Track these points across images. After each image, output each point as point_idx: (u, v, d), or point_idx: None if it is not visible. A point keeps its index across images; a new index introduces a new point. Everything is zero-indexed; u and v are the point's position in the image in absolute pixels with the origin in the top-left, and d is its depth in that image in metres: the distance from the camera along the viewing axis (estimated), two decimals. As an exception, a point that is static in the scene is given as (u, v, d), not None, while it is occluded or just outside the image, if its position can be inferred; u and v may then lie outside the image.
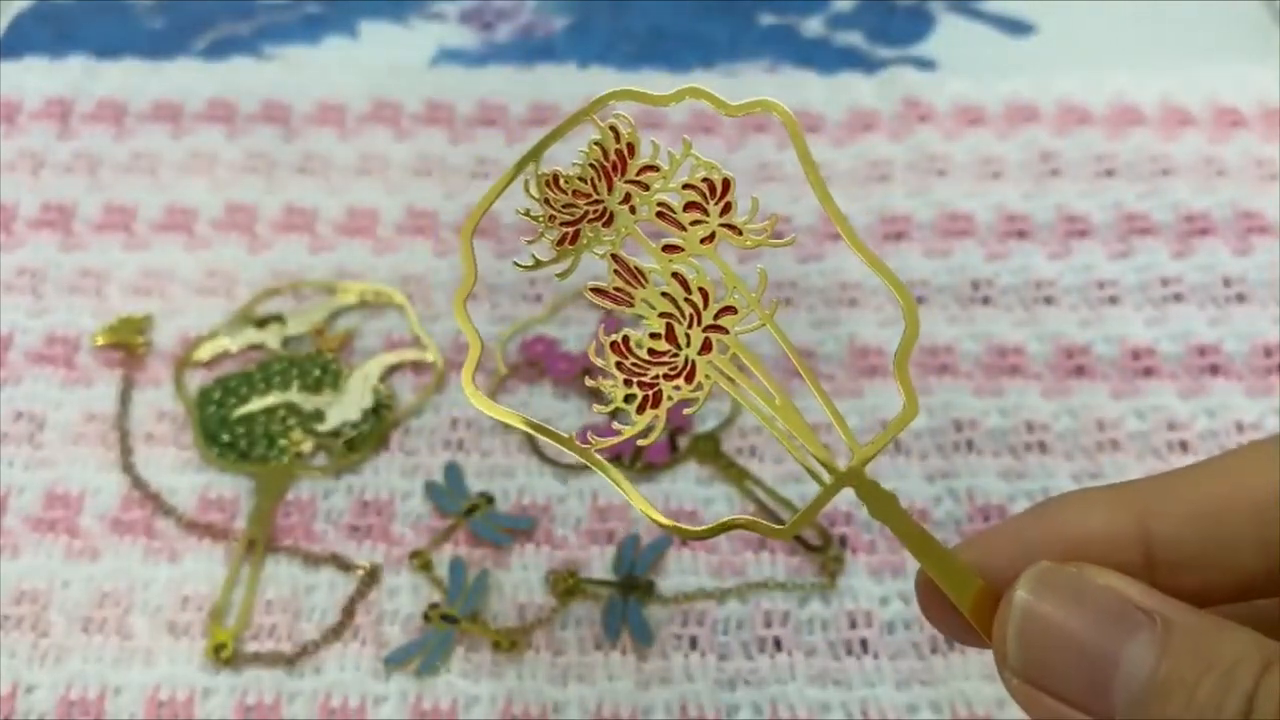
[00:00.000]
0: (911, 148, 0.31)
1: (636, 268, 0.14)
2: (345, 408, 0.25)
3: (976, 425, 0.25)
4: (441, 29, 0.36)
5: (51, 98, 0.32)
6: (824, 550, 0.23)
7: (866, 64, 0.35)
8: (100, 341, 0.27)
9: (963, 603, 0.14)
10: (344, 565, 0.23)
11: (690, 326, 0.13)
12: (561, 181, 0.14)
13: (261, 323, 0.27)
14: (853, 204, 0.30)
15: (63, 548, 0.23)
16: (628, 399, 0.14)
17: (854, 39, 0.36)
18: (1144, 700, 0.13)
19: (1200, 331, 0.27)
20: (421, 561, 0.23)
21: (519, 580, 0.23)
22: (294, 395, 0.26)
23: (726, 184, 0.14)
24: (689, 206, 0.14)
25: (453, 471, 0.24)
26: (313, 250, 0.29)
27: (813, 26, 0.36)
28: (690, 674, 0.22)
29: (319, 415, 0.25)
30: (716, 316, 0.13)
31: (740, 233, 0.14)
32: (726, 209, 0.14)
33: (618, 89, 0.14)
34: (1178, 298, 0.28)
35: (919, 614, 0.22)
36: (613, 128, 0.14)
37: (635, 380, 0.13)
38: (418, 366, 0.27)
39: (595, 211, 0.14)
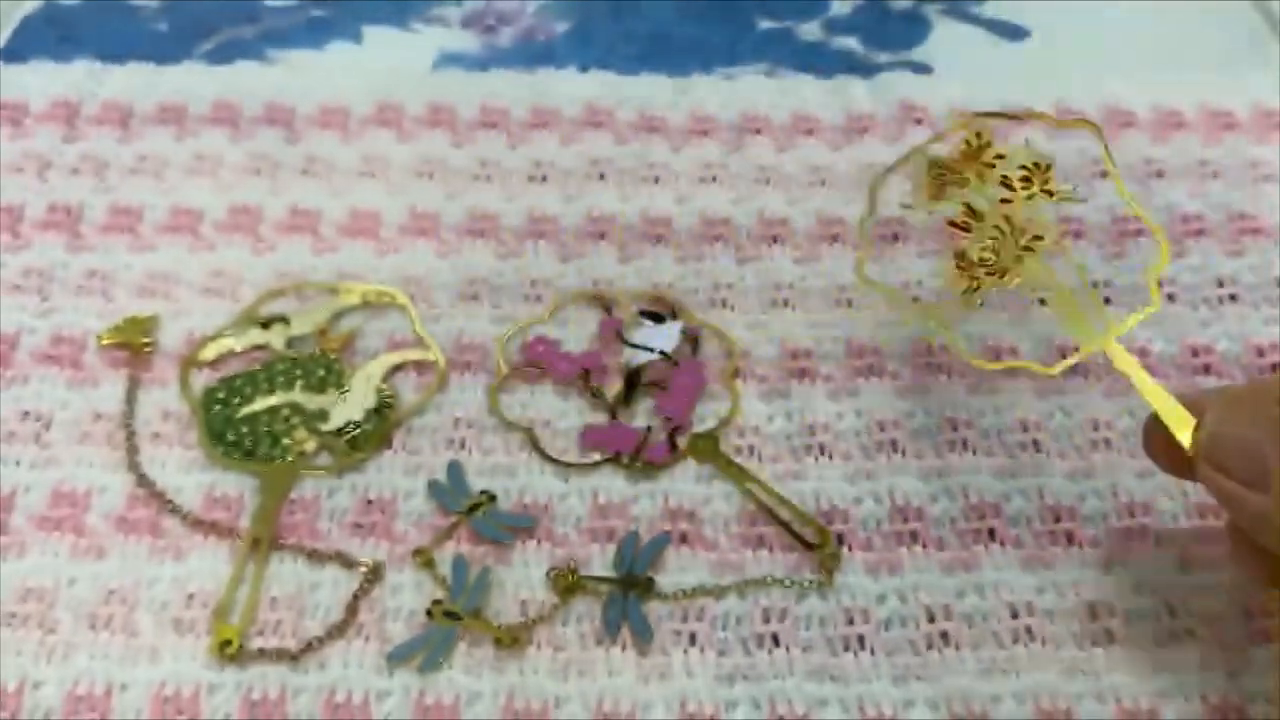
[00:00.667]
0: (907, 150, 0.31)
1: (978, 210, 0.22)
2: (348, 407, 0.26)
3: (972, 424, 0.26)
4: (443, 33, 0.37)
5: (57, 100, 0.32)
6: (821, 548, 0.23)
7: (863, 68, 0.35)
8: (106, 342, 0.27)
9: (1179, 432, 0.20)
10: (348, 563, 0.23)
11: (1010, 246, 0.21)
12: (943, 164, 0.23)
13: (266, 323, 0.28)
14: (849, 206, 0.30)
15: (69, 546, 0.23)
16: (981, 261, 0.22)
17: (851, 43, 0.36)
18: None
19: (1193, 332, 0.27)
20: (424, 559, 0.23)
21: (520, 577, 0.23)
22: (298, 395, 0.26)
23: (1050, 165, 0.22)
24: (1024, 179, 0.22)
25: (455, 470, 0.25)
26: (316, 251, 0.29)
27: (810, 31, 0.37)
28: (690, 670, 0.22)
29: (323, 415, 0.26)
30: (1027, 243, 0.21)
31: (1053, 194, 0.22)
32: (1047, 180, 0.22)
33: (981, 111, 0.23)
34: (1171, 298, 0.28)
35: (915, 612, 0.22)
36: (977, 131, 0.23)
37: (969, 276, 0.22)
38: (420, 366, 0.27)
39: (958, 179, 0.22)
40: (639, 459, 0.25)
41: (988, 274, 0.22)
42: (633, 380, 0.26)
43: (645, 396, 0.26)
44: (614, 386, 0.26)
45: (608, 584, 0.23)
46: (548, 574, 0.23)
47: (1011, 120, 0.22)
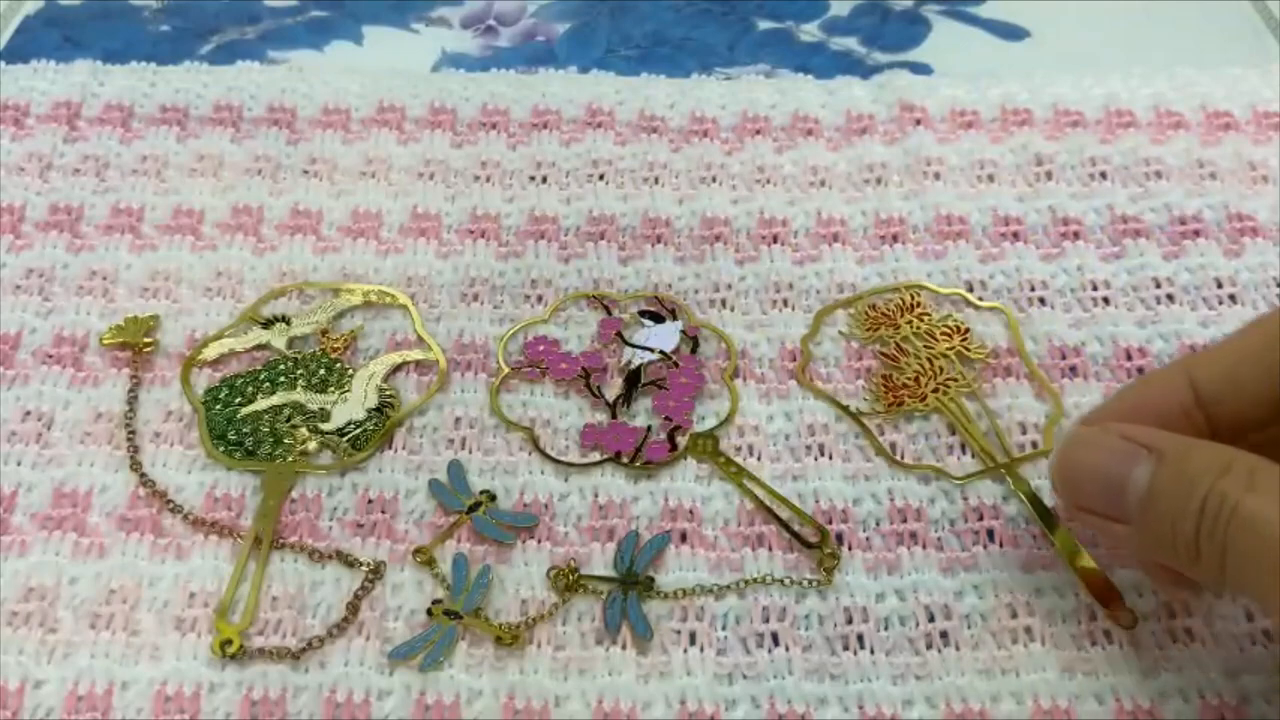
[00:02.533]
0: (906, 151, 0.31)
1: (905, 349, 0.27)
2: (350, 407, 0.26)
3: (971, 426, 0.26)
4: (444, 34, 0.37)
5: (59, 101, 0.32)
6: (821, 547, 0.23)
7: (862, 68, 0.35)
8: (108, 341, 0.27)
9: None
10: (349, 562, 0.23)
11: (930, 380, 0.26)
12: (880, 309, 0.28)
13: (267, 323, 0.28)
14: (848, 206, 0.30)
15: (70, 545, 0.23)
16: (904, 385, 0.26)
17: (850, 44, 0.36)
18: (1143, 506, 0.19)
19: (1192, 332, 0.27)
20: (425, 558, 0.23)
21: (521, 576, 0.23)
22: (299, 394, 0.26)
23: (968, 330, 0.27)
24: (945, 334, 0.27)
25: (455, 469, 0.25)
26: (317, 251, 0.29)
27: (810, 32, 0.37)
28: (689, 668, 0.22)
29: (324, 414, 0.26)
30: (942, 381, 0.26)
31: (969, 351, 0.27)
32: (966, 340, 0.27)
33: (914, 284, 0.28)
34: (1170, 298, 0.28)
35: (914, 611, 0.22)
36: (913, 293, 0.28)
37: (891, 395, 0.26)
38: (421, 366, 0.27)
39: (890, 324, 0.27)
40: (639, 458, 0.25)
41: (909, 397, 0.26)
42: (632, 380, 0.26)
43: (645, 396, 0.26)
44: (614, 386, 0.26)
45: (607, 583, 0.23)
46: (548, 573, 0.23)
47: (939, 294, 0.28)
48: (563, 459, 0.25)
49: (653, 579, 0.23)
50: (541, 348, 0.27)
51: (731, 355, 0.27)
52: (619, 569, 0.23)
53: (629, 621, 0.22)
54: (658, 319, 0.27)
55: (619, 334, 0.27)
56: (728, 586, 0.23)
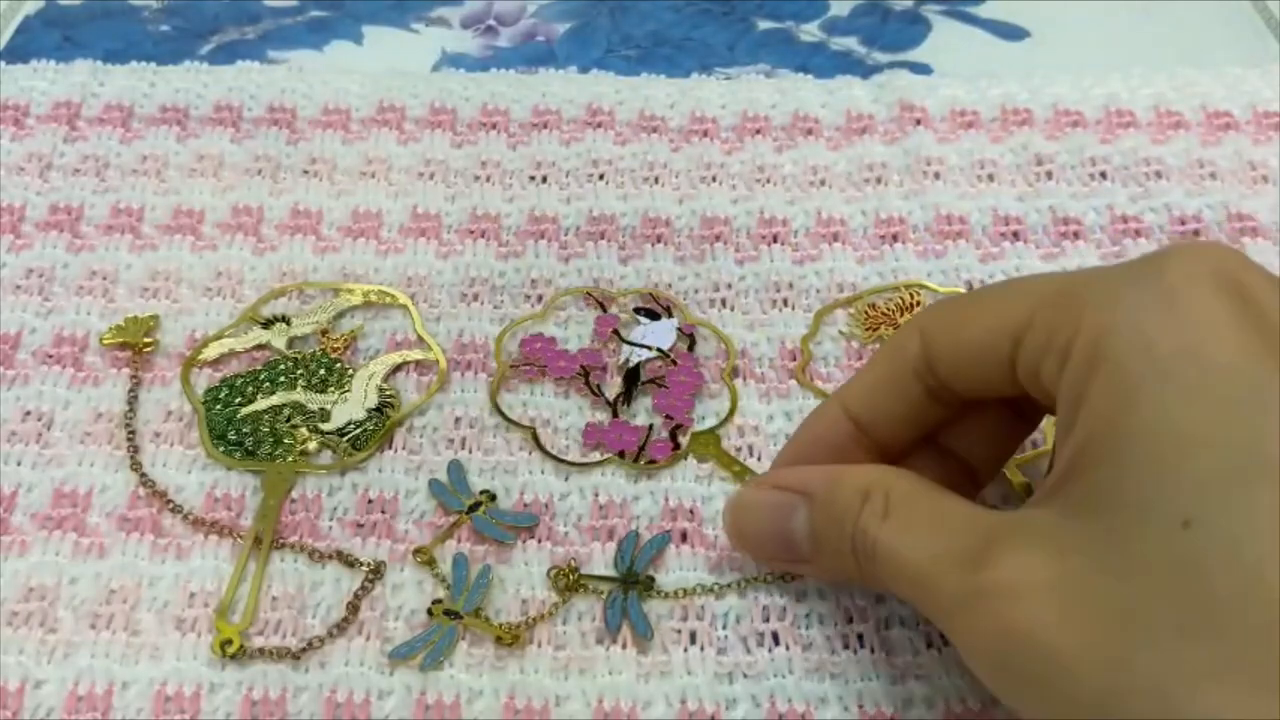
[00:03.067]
0: (906, 150, 0.31)
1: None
2: (350, 407, 0.26)
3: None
4: (444, 34, 0.37)
5: (59, 101, 0.32)
6: None
7: (862, 68, 0.35)
8: (108, 341, 0.27)
9: None
10: (349, 561, 0.23)
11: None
12: (880, 309, 0.28)
13: (267, 323, 0.28)
14: (848, 206, 0.30)
15: (70, 545, 0.23)
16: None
17: (850, 44, 0.36)
18: (810, 552, 0.21)
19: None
20: (425, 558, 0.23)
21: (521, 576, 0.23)
22: (299, 394, 0.26)
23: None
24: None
25: (455, 469, 0.25)
26: (317, 251, 0.29)
27: (810, 31, 0.37)
28: (689, 668, 0.22)
29: (324, 414, 0.26)
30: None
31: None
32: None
33: (913, 282, 0.29)
34: (1169, 298, 0.28)
35: (914, 611, 0.22)
36: (911, 291, 0.28)
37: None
38: (421, 366, 0.27)
39: (890, 324, 0.27)
40: (643, 457, 0.25)
41: None
42: (632, 378, 0.26)
43: (644, 395, 0.26)
44: (613, 385, 0.26)
45: (608, 583, 0.23)
46: (549, 573, 0.23)
47: (939, 293, 0.28)
48: (565, 458, 0.25)
49: (653, 578, 0.23)
50: (539, 345, 0.27)
51: (730, 354, 0.27)
52: (619, 569, 0.23)
53: (629, 621, 0.22)
54: (654, 316, 0.27)
55: (616, 332, 0.27)
56: (728, 585, 0.23)
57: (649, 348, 0.26)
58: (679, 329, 0.27)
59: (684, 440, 0.25)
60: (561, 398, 0.26)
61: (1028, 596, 0.16)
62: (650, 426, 0.25)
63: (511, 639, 0.22)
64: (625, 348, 0.27)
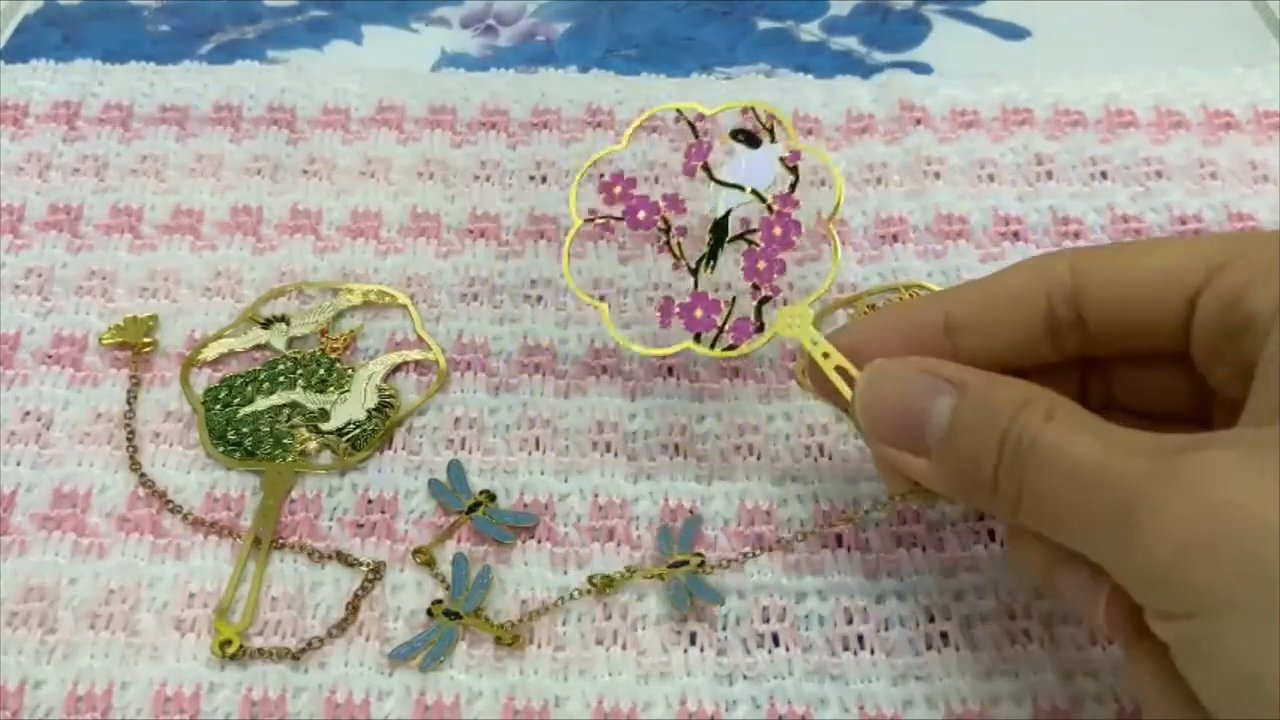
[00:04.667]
0: (907, 150, 0.31)
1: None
2: (349, 407, 0.26)
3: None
4: (444, 34, 0.37)
5: (59, 100, 0.32)
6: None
7: (863, 68, 0.35)
8: (107, 341, 0.27)
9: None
10: (348, 562, 0.23)
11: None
12: (880, 309, 0.26)
13: (267, 323, 0.28)
14: (849, 206, 0.30)
15: (70, 545, 0.23)
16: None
17: (850, 43, 0.36)
18: (943, 440, 0.19)
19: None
20: (425, 558, 0.23)
21: (521, 576, 0.23)
22: (299, 395, 0.26)
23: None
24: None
25: (455, 469, 0.25)
26: (317, 251, 0.29)
27: (810, 31, 0.37)
28: (689, 669, 0.22)
29: (324, 414, 0.26)
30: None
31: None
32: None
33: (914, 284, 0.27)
34: (1170, 299, 0.28)
35: (914, 612, 0.22)
36: (911, 291, 0.27)
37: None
38: (421, 366, 0.27)
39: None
40: (721, 341, 0.22)
41: None
42: (719, 232, 0.22)
43: (735, 248, 0.23)
44: (695, 242, 0.23)
45: (660, 573, 0.22)
46: (590, 579, 0.22)
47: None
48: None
49: (701, 555, 0.22)
50: (618, 186, 0.22)
51: (838, 191, 0.22)
52: (664, 558, 0.22)
53: (696, 597, 0.22)
54: (753, 141, 0.22)
55: (705, 167, 0.22)
56: (779, 541, 0.22)
57: (742, 189, 0.22)
58: (782, 159, 0.23)
59: (771, 315, 0.22)
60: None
61: (1239, 473, 0.14)
62: (733, 301, 0.22)
63: (511, 639, 0.22)
64: (714, 190, 0.23)
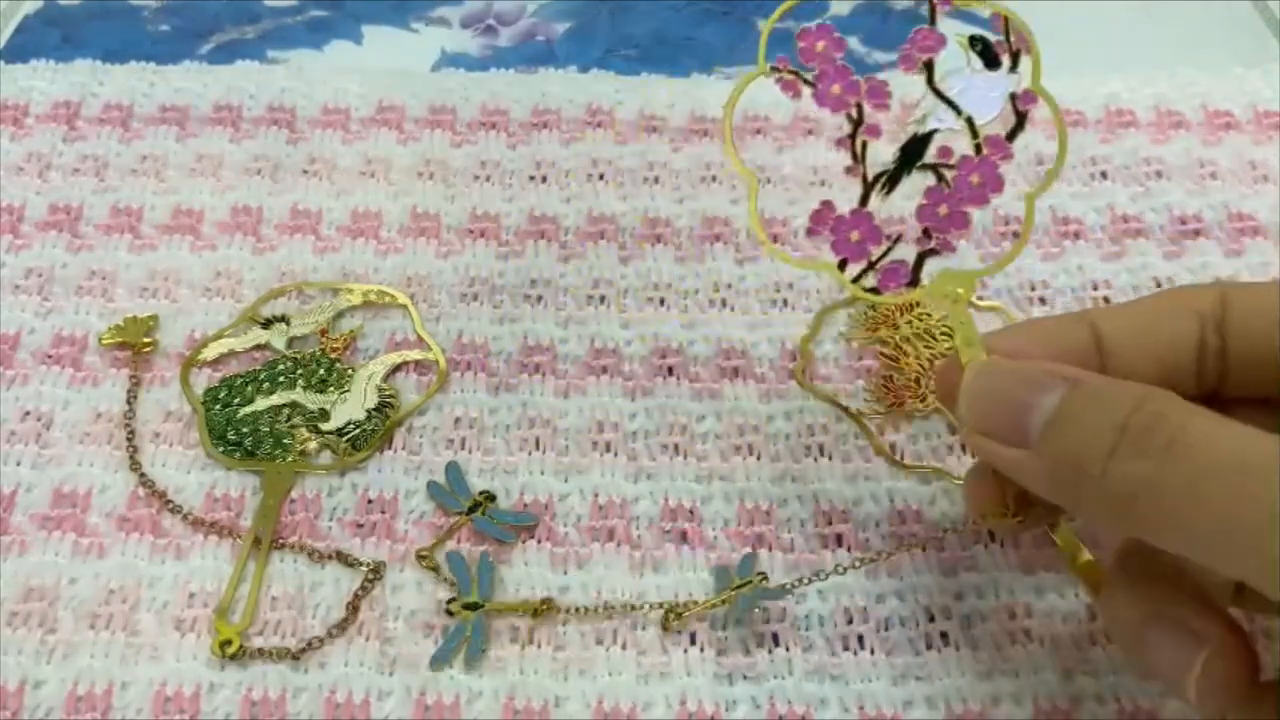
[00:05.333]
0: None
1: (904, 348, 0.26)
2: (349, 407, 0.26)
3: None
4: (444, 34, 0.37)
5: (58, 100, 0.32)
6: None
7: (863, 68, 0.35)
8: (107, 341, 0.27)
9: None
10: (348, 562, 0.23)
11: (930, 381, 0.25)
12: (880, 309, 0.26)
13: (267, 323, 0.28)
14: (849, 207, 0.30)
15: (70, 545, 0.23)
16: (905, 386, 0.25)
17: (851, 43, 0.36)
18: (1048, 425, 0.17)
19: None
20: (429, 563, 0.23)
21: (521, 576, 0.23)
22: (299, 395, 0.26)
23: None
24: (944, 333, 0.26)
25: (454, 470, 0.25)
26: (317, 251, 0.29)
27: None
28: (689, 669, 0.22)
29: (324, 414, 0.26)
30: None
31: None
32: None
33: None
34: (1170, 299, 0.28)
35: (914, 612, 0.22)
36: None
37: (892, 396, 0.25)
38: (421, 366, 0.27)
39: (890, 324, 0.26)
40: (867, 277, 0.18)
41: (910, 397, 0.25)
42: (912, 153, 0.19)
43: (924, 176, 0.19)
44: (885, 152, 0.19)
45: (726, 599, 0.22)
46: (664, 615, 0.22)
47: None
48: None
49: (764, 574, 0.22)
50: (822, 44, 0.18)
51: (1061, 149, 0.19)
52: (723, 587, 0.22)
53: (761, 606, 0.22)
54: (991, 58, 0.18)
55: (929, 66, 0.18)
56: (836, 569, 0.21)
57: (958, 112, 0.18)
58: (1014, 95, 0.19)
59: (930, 271, 0.18)
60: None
61: None
62: (897, 238, 0.19)
63: (545, 606, 0.22)
64: (929, 100, 0.19)
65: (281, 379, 0.26)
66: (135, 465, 0.25)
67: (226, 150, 0.31)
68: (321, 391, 0.26)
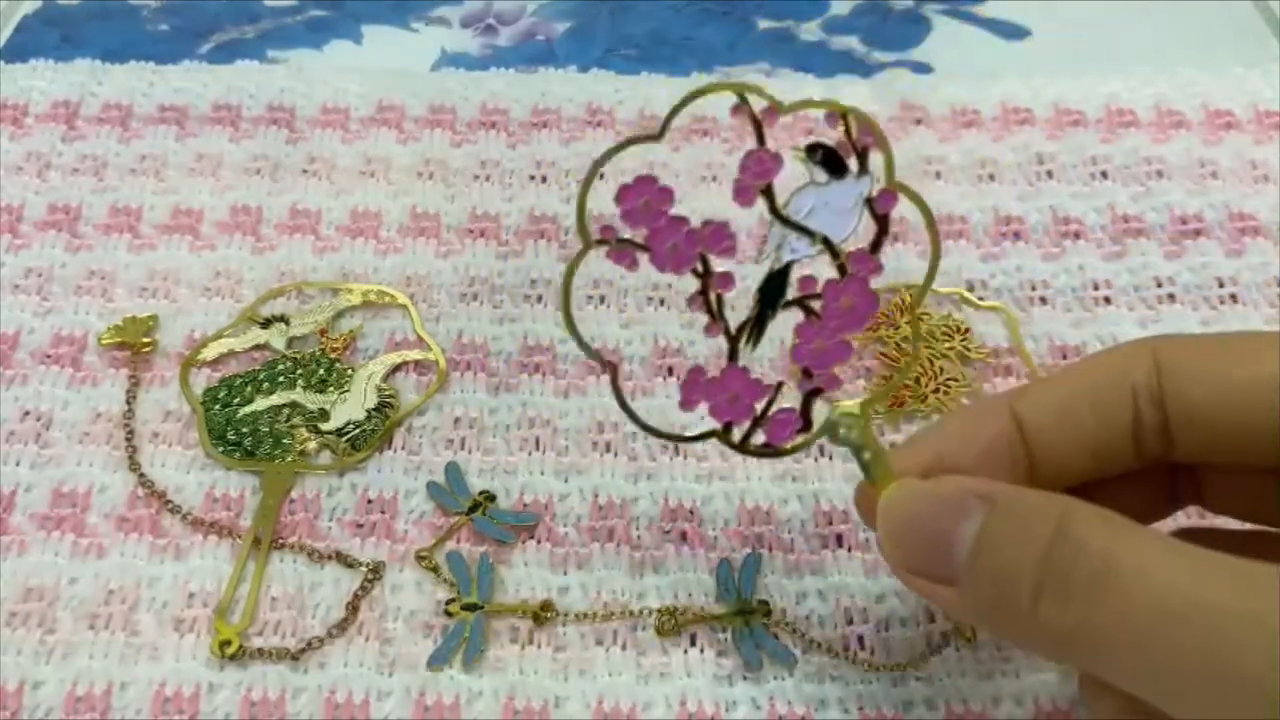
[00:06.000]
0: (907, 150, 0.31)
1: (905, 350, 0.26)
2: (349, 407, 0.26)
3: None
4: (444, 33, 0.37)
5: (58, 100, 0.32)
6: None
7: (863, 68, 0.35)
8: (106, 341, 0.27)
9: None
10: (348, 562, 0.23)
11: (930, 381, 0.25)
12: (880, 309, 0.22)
13: (266, 323, 0.28)
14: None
15: (69, 545, 0.23)
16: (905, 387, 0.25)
17: (851, 43, 0.36)
18: (971, 562, 0.16)
19: (1194, 332, 0.27)
20: (429, 563, 0.23)
21: (521, 577, 0.23)
22: (298, 394, 0.26)
23: (967, 329, 0.27)
24: (946, 334, 0.26)
25: (453, 471, 0.25)
26: (317, 251, 0.29)
27: (810, 31, 0.37)
28: (689, 669, 0.22)
29: (323, 414, 0.26)
30: (942, 382, 0.26)
31: (969, 351, 0.27)
32: (966, 340, 0.27)
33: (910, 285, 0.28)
34: (1171, 298, 0.28)
35: (914, 612, 0.22)
36: (911, 294, 0.27)
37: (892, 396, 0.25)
38: (421, 366, 0.27)
39: (890, 324, 0.26)
40: (756, 434, 0.17)
41: (910, 398, 0.25)
42: (771, 294, 0.17)
43: (787, 312, 0.17)
44: (741, 297, 0.17)
45: (723, 619, 0.22)
46: (657, 619, 0.22)
47: (939, 294, 0.27)
48: (654, 429, 0.18)
49: (768, 603, 0.22)
50: (645, 196, 0.16)
51: (932, 260, 0.16)
52: (726, 600, 0.22)
53: (769, 654, 0.21)
54: (836, 167, 0.16)
55: (769, 194, 0.16)
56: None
57: (811, 237, 0.16)
58: (870, 201, 0.16)
59: (821, 413, 0.17)
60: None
61: None
62: (778, 387, 0.17)
63: (544, 614, 0.22)
64: (777, 230, 0.16)
65: (281, 379, 0.26)
66: (135, 465, 0.25)
67: (226, 150, 0.31)
68: (321, 391, 0.26)
